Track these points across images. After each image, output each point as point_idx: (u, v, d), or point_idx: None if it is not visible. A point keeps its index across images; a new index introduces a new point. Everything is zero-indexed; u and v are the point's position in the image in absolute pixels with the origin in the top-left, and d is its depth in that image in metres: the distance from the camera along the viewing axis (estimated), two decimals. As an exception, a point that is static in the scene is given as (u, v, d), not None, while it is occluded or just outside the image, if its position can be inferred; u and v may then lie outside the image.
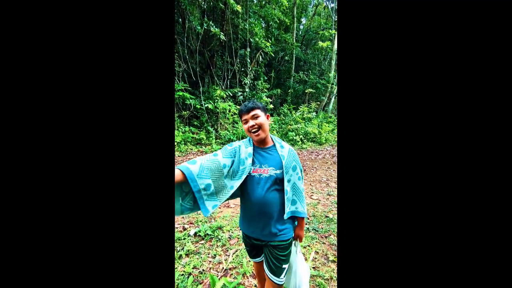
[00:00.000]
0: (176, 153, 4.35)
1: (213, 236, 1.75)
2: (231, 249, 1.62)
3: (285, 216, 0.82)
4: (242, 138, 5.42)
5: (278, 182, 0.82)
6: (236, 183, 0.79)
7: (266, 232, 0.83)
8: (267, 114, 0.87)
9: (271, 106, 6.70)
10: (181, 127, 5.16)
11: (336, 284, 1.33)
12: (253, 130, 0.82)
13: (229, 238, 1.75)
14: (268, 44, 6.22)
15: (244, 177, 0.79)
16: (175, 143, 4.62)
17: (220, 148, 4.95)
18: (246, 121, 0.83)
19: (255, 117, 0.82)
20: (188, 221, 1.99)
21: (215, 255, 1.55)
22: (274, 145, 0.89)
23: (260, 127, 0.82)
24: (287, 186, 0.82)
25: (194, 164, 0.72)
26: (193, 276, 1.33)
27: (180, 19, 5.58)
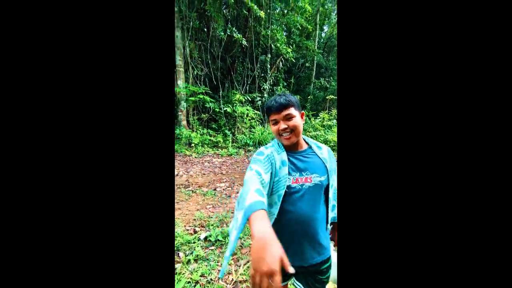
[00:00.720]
0: (193, 154, 4.41)
1: (224, 243, 1.64)
2: (242, 259, 1.49)
3: (328, 227, 0.68)
4: (259, 143, 5.34)
5: (323, 191, 0.67)
6: (271, 201, 0.62)
7: (309, 255, 0.65)
8: (302, 111, 0.69)
9: (290, 112, 6.53)
10: (200, 129, 5.27)
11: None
12: (284, 134, 0.65)
13: (241, 246, 1.62)
14: (289, 50, 6.19)
15: (282, 191, 0.61)
16: (193, 145, 4.70)
17: (237, 152, 4.77)
18: (276, 122, 0.65)
19: (288, 117, 0.64)
20: (199, 224, 1.91)
21: (225, 264, 1.43)
22: (310, 146, 0.71)
23: (293, 130, 0.65)
24: (331, 193, 0.68)
25: (263, 197, 0.50)
26: (201, 286, 1.22)
27: (205, 28, 5.85)
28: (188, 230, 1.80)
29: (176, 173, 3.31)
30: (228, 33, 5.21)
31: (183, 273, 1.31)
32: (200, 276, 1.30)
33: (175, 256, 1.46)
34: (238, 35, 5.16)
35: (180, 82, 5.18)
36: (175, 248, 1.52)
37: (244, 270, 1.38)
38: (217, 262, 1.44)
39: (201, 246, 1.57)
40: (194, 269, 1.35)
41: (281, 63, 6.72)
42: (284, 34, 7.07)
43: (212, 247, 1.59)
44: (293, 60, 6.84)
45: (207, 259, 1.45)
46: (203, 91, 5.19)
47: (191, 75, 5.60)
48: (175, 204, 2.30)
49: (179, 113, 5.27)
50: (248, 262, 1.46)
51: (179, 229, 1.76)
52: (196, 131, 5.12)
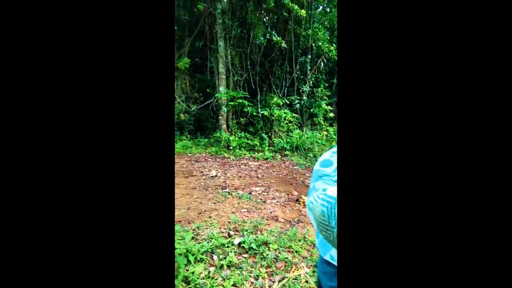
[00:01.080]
0: (231, 157, 4.56)
1: (257, 252, 1.54)
2: (276, 274, 1.36)
3: None
4: (297, 148, 5.09)
5: None
6: None
7: None
8: None
9: (331, 114, 6.10)
10: (238, 132, 5.43)
11: None
12: None
13: (276, 259, 1.49)
14: (332, 48, 5.76)
15: None
16: (231, 147, 4.87)
17: (273, 156, 4.66)
18: None
19: None
20: (233, 228, 1.89)
21: (258, 276, 1.33)
22: None
23: None
24: None
25: None
26: (232, 296, 1.16)
27: (246, 35, 6.09)
28: (222, 233, 1.79)
29: (215, 174, 3.47)
30: (268, 37, 5.25)
31: (216, 278, 1.28)
32: (232, 285, 1.24)
33: (209, 258, 1.45)
34: (278, 38, 5.14)
35: (222, 89, 5.51)
36: (210, 250, 1.52)
37: (279, 287, 1.25)
38: (250, 272, 1.36)
39: (234, 252, 1.52)
40: (226, 275, 1.30)
41: (322, 63, 6.32)
42: (327, 32, 6.64)
43: (245, 255, 1.52)
44: (336, 59, 6.32)
45: (240, 268, 1.39)
46: (242, 95, 5.35)
47: (231, 82, 5.88)
48: (213, 204, 2.36)
49: (220, 117, 5.59)
50: (283, 278, 1.32)
51: (214, 231, 1.78)
52: (234, 135, 5.30)
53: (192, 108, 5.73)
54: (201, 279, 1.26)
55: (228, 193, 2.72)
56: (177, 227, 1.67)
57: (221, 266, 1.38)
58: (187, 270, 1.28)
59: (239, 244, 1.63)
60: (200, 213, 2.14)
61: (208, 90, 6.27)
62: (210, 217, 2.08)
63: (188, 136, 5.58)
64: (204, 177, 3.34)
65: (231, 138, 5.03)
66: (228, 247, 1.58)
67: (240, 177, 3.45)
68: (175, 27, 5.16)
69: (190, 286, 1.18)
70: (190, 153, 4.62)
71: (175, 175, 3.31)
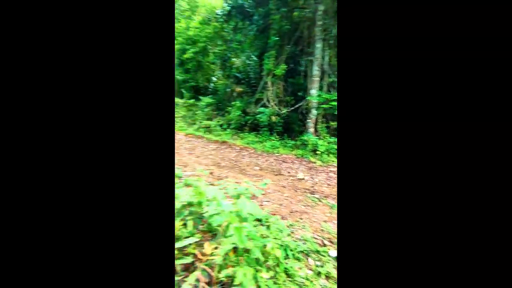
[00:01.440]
0: (318, 162, 4.36)
1: (359, 275, 1.37)
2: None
3: None
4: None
5: None
6: None
7: None
8: None
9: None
10: (327, 137, 5.10)
11: None
12: None
13: None
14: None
15: None
16: (318, 152, 4.66)
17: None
18: None
19: None
20: (327, 238, 1.79)
21: (362, 303, 1.17)
22: None
23: None
24: None
25: None
26: (333, 310, 1.10)
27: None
28: (316, 239, 1.75)
29: (302, 176, 3.47)
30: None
31: (314, 284, 1.27)
32: (333, 299, 1.17)
33: (305, 260, 1.47)
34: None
35: (314, 91, 5.39)
36: (305, 252, 1.54)
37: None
38: (352, 295, 1.22)
39: (332, 265, 1.44)
40: (325, 285, 1.26)
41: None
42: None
43: (344, 273, 1.39)
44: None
45: (339, 284, 1.29)
46: (336, 97, 4.95)
47: (325, 84, 5.61)
48: (303, 207, 2.38)
49: (308, 120, 5.50)
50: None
51: (308, 234, 1.78)
52: (322, 139, 5.03)
53: (283, 111, 6.06)
54: (300, 277, 1.30)
55: (318, 199, 2.62)
56: (274, 219, 1.83)
57: (318, 274, 1.35)
58: (287, 263, 1.36)
59: (336, 257, 1.52)
60: (292, 212, 2.22)
61: (299, 93, 6.37)
62: (301, 218, 2.10)
63: (277, 137, 5.97)
64: (292, 178, 3.43)
65: (319, 142, 4.81)
66: (323, 255, 1.52)
67: (329, 185, 3.22)
68: (277, 38, 5.65)
69: (291, 279, 1.26)
70: (277, 153, 4.93)
71: (266, 171, 3.65)
